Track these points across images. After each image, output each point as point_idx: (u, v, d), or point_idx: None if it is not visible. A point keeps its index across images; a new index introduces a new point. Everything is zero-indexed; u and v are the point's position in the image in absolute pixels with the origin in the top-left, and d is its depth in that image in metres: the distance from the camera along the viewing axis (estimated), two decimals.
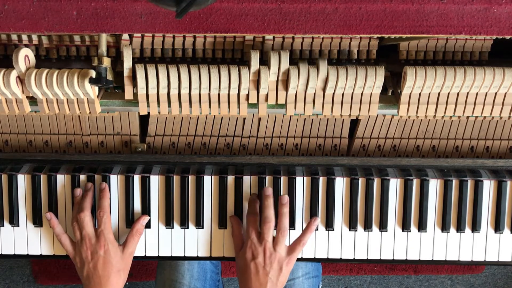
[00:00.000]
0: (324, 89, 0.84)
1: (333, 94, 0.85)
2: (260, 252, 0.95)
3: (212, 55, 0.90)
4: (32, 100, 0.86)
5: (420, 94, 0.85)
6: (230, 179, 1.02)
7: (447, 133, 1.01)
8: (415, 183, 1.01)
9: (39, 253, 1.03)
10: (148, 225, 1.02)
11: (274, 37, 0.88)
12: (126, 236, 0.99)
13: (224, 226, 1.02)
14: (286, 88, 0.84)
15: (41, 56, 0.90)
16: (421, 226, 1.02)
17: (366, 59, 0.90)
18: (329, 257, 1.03)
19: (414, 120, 0.99)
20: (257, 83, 0.85)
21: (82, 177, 1.01)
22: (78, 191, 1.00)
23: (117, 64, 0.90)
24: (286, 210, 0.98)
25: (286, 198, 0.99)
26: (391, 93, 0.92)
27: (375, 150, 1.02)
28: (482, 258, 1.03)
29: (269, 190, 0.99)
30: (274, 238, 0.97)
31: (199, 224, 1.02)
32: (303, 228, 1.01)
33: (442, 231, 1.02)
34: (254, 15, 0.72)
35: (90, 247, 0.95)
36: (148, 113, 0.87)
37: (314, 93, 0.85)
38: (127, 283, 1.80)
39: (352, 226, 1.02)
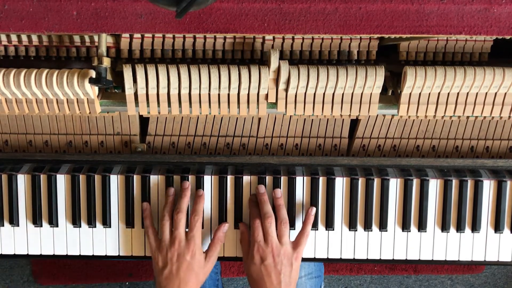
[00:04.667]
0: (324, 91, 0.84)
1: (333, 94, 0.85)
2: (268, 253, 0.95)
3: (212, 55, 0.90)
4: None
5: (420, 94, 0.85)
6: (230, 179, 1.02)
7: (447, 133, 1.01)
8: (415, 183, 1.01)
9: (39, 253, 1.03)
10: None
11: (274, 37, 0.88)
12: (209, 244, 0.99)
13: None
14: (287, 88, 0.84)
15: (41, 56, 0.90)
16: (421, 226, 1.02)
17: (366, 60, 0.91)
18: (329, 257, 1.03)
19: (414, 120, 0.99)
20: (258, 83, 0.84)
21: (82, 177, 1.01)
22: (172, 191, 0.99)
23: (117, 64, 0.90)
24: (281, 202, 0.99)
25: (279, 192, 1.00)
26: (391, 93, 0.92)
27: (375, 150, 1.02)
28: (482, 258, 1.03)
29: (262, 188, 1.00)
30: (277, 233, 0.97)
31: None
32: (305, 223, 1.00)
33: (442, 231, 1.02)
34: (254, 15, 0.73)
35: (178, 249, 0.94)
36: (148, 113, 0.88)
37: (314, 94, 0.85)
38: (127, 283, 1.81)
39: (352, 226, 1.02)
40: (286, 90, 0.84)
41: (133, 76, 0.83)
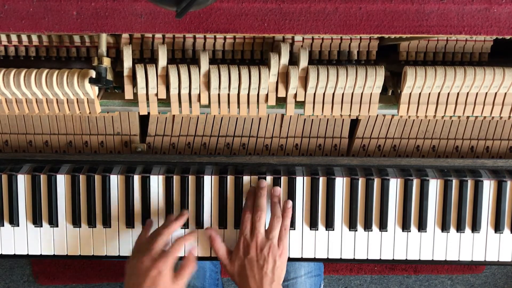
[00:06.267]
0: (324, 91, 0.84)
1: (333, 94, 0.85)
2: (252, 247, 0.94)
3: (212, 55, 0.90)
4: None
5: (420, 94, 0.85)
6: (230, 179, 1.02)
7: (447, 133, 1.01)
8: (415, 183, 1.01)
9: (39, 253, 1.03)
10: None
11: (274, 37, 0.88)
12: (180, 265, 0.96)
13: (224, 226, 1.02)
14: (286, 88, 0.84)
15: (41, 56, 0.90)
16: (421, 226, 1.02)
17: (366, 60, 0.91)
18: (329, 257, 1.03)
19: (414, 120, 0.99)
20: (258, 84, 0.84)
21: (82, 177, 1.01)
22: (150, 223, 1.00)
23: (117, 64, 0.90)
24: (277, 200, 0.99)
25: (278, 190, 0.99)
26: (391, 93, 0.92)
27: (375, 150, 1.02)
28: (482, 258, 1.03)
29: (263, 183, 0.99)
30: (267, 227, 0.97)
31: (199, 224, 1.02)
32: (284, 216, 0.98)
33: (442, 231, 1.02)
34: (254, 15, 0.73)
35: (149, 262, 0.90)
36: (148, 113, 0.87)
37: (314, 94, 0.85)
38: None
39: (352, 226, 1.02)
40: (286, 90, 0.84)
41: (133, 76, 0.83)
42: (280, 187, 1.01)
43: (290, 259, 1.03)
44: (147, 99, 0.85)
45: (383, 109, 0.90)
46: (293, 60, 0.90)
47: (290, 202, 1.00)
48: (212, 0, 0.59)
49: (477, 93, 0.85)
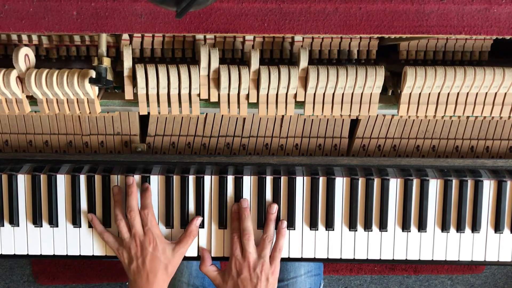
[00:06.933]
0: (324, 91, 0.84)
1: (333, 94, 0.85)
2: (245, 267, 0.97)
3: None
4: (32, 100, 0.86)
5: (420, 94, 0.85)
6: (230, 179, 1.02)
7: (447, 133, 1.01)
8: (415, 183, 1.01)
9: (39, 253, 1.03)
10: None
11: (274, 37, 0.88)
12: (180, 236, 1.00)
13: (224, 226, 1.02)
14: (287, 89, 0.84)
15: (41, 56, 0.90)
16: (421, 226, 1.02)
17: (366, 59, 0.91)
18: (329, 257, 1.03)
19: (414, 120, 0.99)
20: (257, 83, 0.84)
21: (82, 177, 1.01)
22: (117, 189, 1.00)
23: (117, 64, 0.90)
24: (273, 217, 1.00)
25: (275, 208, 1.00)
26: (391, 93, 0.92)
27: (375, 150, 1.02)
28: (482, 258, 1.03)
29: (245, 203, 1.00)
30: (259, 246, 0.99)
31: (199, 224, 1.02)
32: (278, 236, 1.01)
33: (442, 231, 1.02)
34: (254, 15, 0.73)
35: (140, 244, 0.97)
36: (148, 113, 0.88)
37: (314, 94, 0.85)
38: (127, 283, 1.81)
39: (352, 226, 1.02)
40: (287, 91, 0.84)
41: (133, 76, 0.83)
42: (280, 187, 1.01)
43: (290, 259, 1.03)
44: (147, 99, 0.85)
45: (383, 109, 0.90)
46: (293, 60, 0.90)
47: (285, 222, 1.01)
48: (212, 0, 0.59)
49: (477, 93, 0.85)
